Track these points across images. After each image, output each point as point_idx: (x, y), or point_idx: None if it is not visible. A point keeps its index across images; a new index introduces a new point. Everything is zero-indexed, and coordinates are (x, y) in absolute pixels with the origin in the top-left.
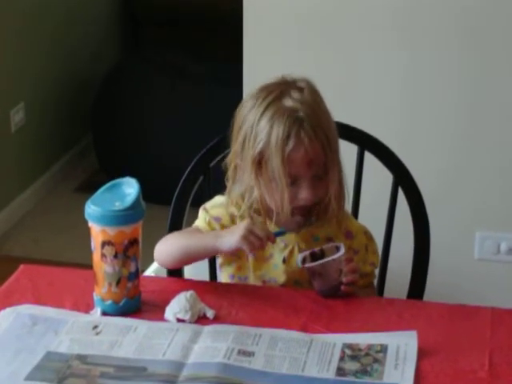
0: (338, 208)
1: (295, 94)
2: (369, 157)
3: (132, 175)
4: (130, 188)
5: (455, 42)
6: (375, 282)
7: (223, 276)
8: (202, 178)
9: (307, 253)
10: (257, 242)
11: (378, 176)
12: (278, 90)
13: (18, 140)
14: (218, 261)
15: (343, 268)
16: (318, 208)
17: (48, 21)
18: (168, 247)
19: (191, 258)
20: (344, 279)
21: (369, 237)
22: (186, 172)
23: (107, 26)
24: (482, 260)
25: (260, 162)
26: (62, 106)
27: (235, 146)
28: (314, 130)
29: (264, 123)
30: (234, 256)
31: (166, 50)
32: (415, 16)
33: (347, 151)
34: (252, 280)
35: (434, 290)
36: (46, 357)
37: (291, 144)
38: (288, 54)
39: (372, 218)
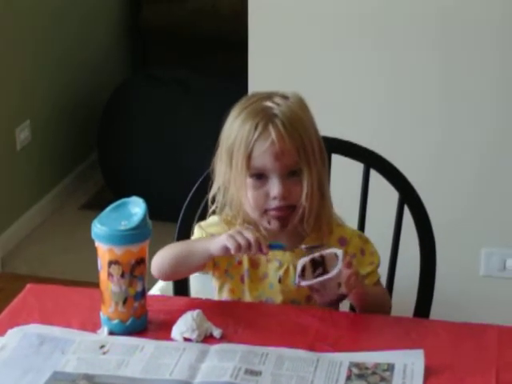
0: (316, 220)
1: (277, 99)
2: (374, 174)
3: (138, 192)
4: (136, 207)
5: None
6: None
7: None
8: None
9: (307, 259)
10: (243, 242)
11: (383, 194)
12: (262, 96)
13: (23, 158)
14: (213, 283)
15: (342, 281)
16: (295, 215)
17: (55, 39)
18: (162, 257)
19: (184, 264)
20: (345, 291)
21: (364, 240)
22: (193, 189)
23: (114, 44)
24: (488, 277)
25: (231, 159)
26: (67, 123)
27: (218, 148)
28: (284, 125)
29: (239, 121)
30: (226, 261)
31: (171, 68)
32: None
33: (352, 169)
34: (247, 301)
35: (439, 306)
36: (52, 376)
37: (256, 134)
38: (292, 69)
39: (378, 235)
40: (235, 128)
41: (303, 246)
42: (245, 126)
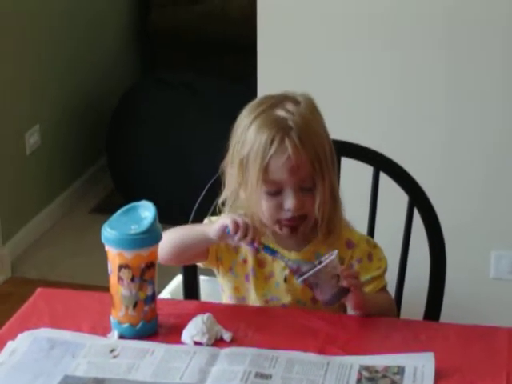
0: (327, 224)
1: (289, 106)
2: (384, 177)
3: (147, 196)
4: (146, 211)
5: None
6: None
7: (224, 298)
8: (217, 199)
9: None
10: (242, 225)
11: (393, 196)
12: (274, 101)
13: (33, 162)
14: (218, 280)
15: (339, 273)
16: (307, 223)
17: (63, 43)
18: (166, 240)
19: (183, 247)
20: (344, 283)
21: (372, 245)
22: (203, 193)
23: (122, 48)
24: (498, 279)
25: (244, 168)
26: (76, 127)
27: (229, 152)
28: (300, 139)
29: (252, 129)
30: (231, 259)
31: (180, 71)
32: None
33: (362, 172)
34: (252, 300)
35: (449, 309)
36: (63, 380)
37: (273, 149)
38: (300, 70)
39: (388, 238)
40: (249, 137)
41: (299, 280)
42: (260, 138)
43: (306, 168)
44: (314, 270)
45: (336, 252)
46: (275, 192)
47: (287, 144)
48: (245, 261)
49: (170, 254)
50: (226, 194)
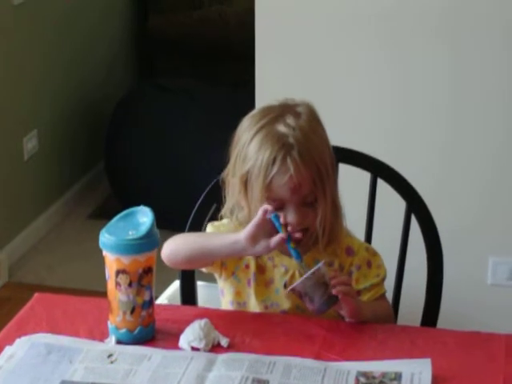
0: (328, 234)
1: (290, 120)
2: (381, 183)
3: (145, 201)
4: (144, 217)
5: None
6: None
7: (224, 303)
8: (215, 204)
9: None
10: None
11: (390, 203)
12: (274, 114)
13: (31, 167)
14: (219, 285)
15: (328, 281)
16: (309, 236)
17: (62, 49)
18: (178, 245)
19: (202, 254)
20: (334, 291)
21: (371, 252)
22: (200, 199)
23: (120, 54)
24: (496, 285)
25: (246, 183)
26: (74, 133)
27: (230, 162)
28: (301, 157)
29: (254, 145)
30: (234, 264)
31: (178, 77)
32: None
33: (360, 178)
34: (252, 305)
35: (446, 315)
36: None
37: (275, 169)
38: (298, 76)
39: (385, 244)
40: (251, 154)
41: (288, 290)
42: (262, 156)
43: (308, 185)
44: (301, 278)
45: (323, 261)
46: (277, 207)
47: (289, 164)
48: (247, 266)
49: (186, 260)
50: (228, 204)
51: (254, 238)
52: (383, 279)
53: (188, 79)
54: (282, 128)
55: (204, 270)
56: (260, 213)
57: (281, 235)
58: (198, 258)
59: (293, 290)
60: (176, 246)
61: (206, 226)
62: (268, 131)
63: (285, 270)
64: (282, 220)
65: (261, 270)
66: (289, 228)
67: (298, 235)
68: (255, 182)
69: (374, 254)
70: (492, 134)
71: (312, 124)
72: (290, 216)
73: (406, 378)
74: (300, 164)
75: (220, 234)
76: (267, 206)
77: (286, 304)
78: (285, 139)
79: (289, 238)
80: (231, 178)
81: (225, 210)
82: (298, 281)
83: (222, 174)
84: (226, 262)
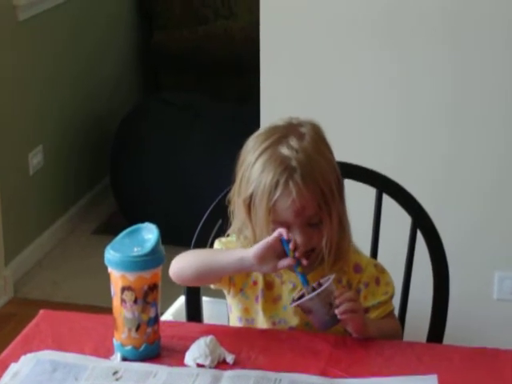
0: (335, 252)
1: (293, 141)
2: (386, 198)
3: (150, 217)
4: (149, 233)
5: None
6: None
7: (232, 319)
8: (220, 220)
9: (303, 291)
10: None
11: (396, 218)
12: (278, 135)
13: (36, 183)
14: (228, 301)
15: (332, 301)
16: (315, 256)
17: (67, 65)
18: (190, 261)
19: (210, 271)
20: (336, 311)
21: (380, 269)
22: (206, 214)
23: (125, 69)
24: (502, 300)
25: (250, 205)
26: (80, 148)
27: (236, 182)
28: (304, 180)
29: (257, 167)
30: (242, 281)
31: (183, 93)
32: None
33: (365, 193)
34: (260, 322)
35: (452, 330)
36: None
37: (278, 193)
38: (304, 94)
39: (391, 259)
40: (254, 176)
41: (293, 304)
42: (265, 179)
43: (312, 208)
44: (311, 295)
45: (332, 277)
46: (281, 227)
47: (291, 187)
48: (255, 282)
49: (194, 277)
50: (236, 224)
51: (263, 257)
52: (391, 297)
53: (193, 94)
54: (284, 150)
55: (212, 286)
56: (274, 235)
57: (289, 260)
58: (207, 274)
59: (298, 305)
60: (184, 263)
61: (212, 242)
62: (271, 153)
63: (293, 286)
64: (291, 246)
65: (269, 286)
66: (296, 254)
67: (304, 262)
68: (259, 205)
69: (383, 270)
70: (496, 147)
71: (316, 145)
72: (295, 237)
73: None
74: (302, 187)
75: (228, 250)
76: (282, 231)
77: (294, 321)
78: (287, 162)
79: (297, 262)
80: (237, 199)
81: (233, 229)
82: (305, 297)
83: (229, 194)
84: (235, 278)
